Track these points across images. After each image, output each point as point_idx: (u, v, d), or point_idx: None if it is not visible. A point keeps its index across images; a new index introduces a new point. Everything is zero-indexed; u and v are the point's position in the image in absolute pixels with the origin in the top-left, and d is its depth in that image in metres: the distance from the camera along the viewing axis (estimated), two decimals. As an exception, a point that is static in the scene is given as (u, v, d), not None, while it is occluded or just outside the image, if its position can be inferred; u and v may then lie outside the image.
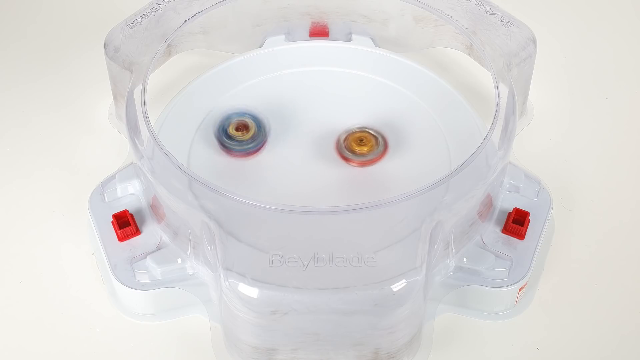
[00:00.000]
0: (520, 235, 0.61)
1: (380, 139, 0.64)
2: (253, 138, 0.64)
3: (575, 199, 0.67)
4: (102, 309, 0.60)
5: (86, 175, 0.67)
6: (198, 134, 0.65)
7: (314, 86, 0.69)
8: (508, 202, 0.62)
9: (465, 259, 0.59)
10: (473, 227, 0.59)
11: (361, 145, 0.64)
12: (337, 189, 0.62)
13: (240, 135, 0.64)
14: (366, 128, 0.65)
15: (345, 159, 0.64)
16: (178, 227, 0.58)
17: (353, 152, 0.64)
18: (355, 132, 0.65)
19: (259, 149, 0.64)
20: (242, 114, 0.66)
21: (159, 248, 0.60)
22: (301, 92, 0.68)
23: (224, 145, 0.64)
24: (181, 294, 0.59)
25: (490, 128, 0.59)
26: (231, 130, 0.64)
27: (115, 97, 0.68)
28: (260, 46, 0.72)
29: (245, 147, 0.64)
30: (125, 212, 0.61)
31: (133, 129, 0.60)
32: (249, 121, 0.65)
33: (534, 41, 0.66)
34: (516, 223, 0.61)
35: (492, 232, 0.61)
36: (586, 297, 0.61)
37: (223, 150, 0.64)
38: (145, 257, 0.59)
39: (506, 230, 0.61)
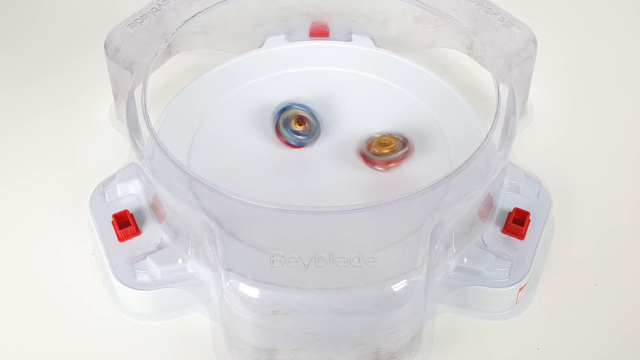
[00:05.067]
0: (521, 235, 0.61)
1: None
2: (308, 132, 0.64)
3: (575, 199, 0.67)
4: (102, 309, 0.60)
5: (86, 175, 0.67)
6: (198, 133, 0.65)
7: (314, 86, 0.69)
8: (508, 202, 0.63)
9: (465, 259, 0.59)
10: (473, 227, 0.59)
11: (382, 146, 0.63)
12: (336, 189, 0.62)
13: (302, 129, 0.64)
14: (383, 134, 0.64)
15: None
16: (179, 227, 0.58)
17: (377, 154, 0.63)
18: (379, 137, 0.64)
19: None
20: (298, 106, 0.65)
21: (159, 248, 0.60)
22: (301, 92, 0.68)
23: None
24: (182, 294, 0.59)
25: (491, 128, 0.59)
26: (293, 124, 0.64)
27: (115, 97, 0.68)
28: (260, 46, 0.72)
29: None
30: (125, 212, 0.61)
31: (133, 129, 0.60)
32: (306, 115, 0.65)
33: (534, 41, 0.66)
34: (516, 223, 0.61)
35: (492, 232, 0.61)
36: (586, 297, 0.61)
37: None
38: (146, 257, 0.59)
39: (506, 230, 0.61)
